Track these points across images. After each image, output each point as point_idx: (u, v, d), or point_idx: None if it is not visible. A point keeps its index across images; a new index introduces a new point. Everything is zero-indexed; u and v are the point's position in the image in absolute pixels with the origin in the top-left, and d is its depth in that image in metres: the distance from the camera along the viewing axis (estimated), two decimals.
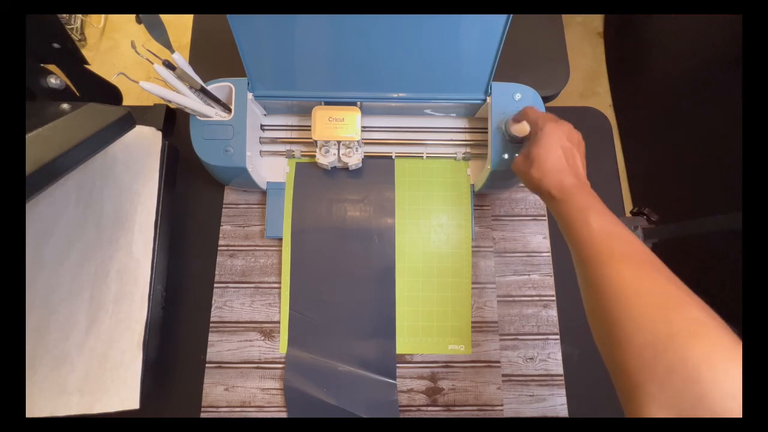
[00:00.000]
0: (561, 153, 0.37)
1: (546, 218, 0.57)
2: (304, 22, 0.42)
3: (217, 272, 0.54)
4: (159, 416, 0.50)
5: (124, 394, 0.44)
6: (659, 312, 0.25)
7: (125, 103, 0.56)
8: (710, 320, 0.24)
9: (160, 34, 0.40)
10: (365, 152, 0.53)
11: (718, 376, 0.22)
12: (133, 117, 0.42)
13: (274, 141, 0.54)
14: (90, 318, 0.45)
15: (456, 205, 0.54)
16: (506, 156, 0.48)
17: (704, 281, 0.94)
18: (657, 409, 0.23)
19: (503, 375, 0.52)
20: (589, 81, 1.30)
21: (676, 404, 0.23)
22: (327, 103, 0.49)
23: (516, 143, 0.48)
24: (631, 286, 0.28)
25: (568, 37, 0.71)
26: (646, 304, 0.26)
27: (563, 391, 0.51)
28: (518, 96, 0.48)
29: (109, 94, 0.54)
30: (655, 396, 0.24)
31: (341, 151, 0.51)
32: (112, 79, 0.47)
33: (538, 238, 0.56)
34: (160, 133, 0.51)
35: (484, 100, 0.49)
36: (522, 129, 0.46)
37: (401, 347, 0.52)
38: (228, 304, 0.53)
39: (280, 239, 0.54)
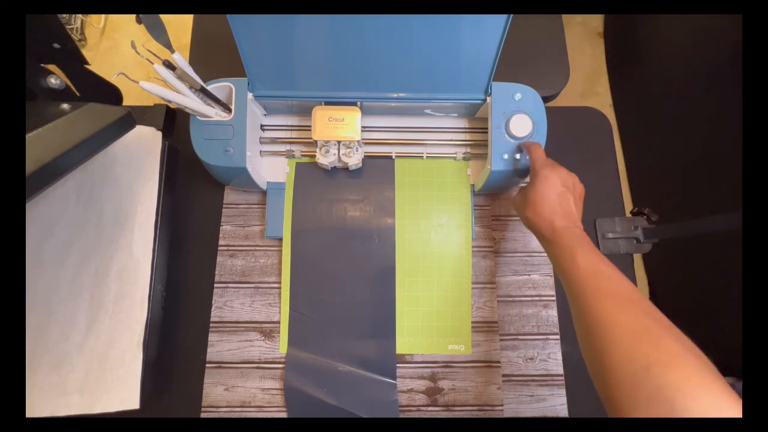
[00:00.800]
0: (555, 197, 0.41)
1: None
2: (304, 22, 0.42)
3: (217, 272, 0.54)
4: (159, 416, 0.49)
5: (124, 394, 0.44)
6: (636, 344, 0.28)
7: (125, 103, 0.56)
8: (683, 350, 0.26)
9: (160, 34, 0.40)
10: (365, 152, 0.53)
11: (689, 403, 0.24)
12: (133, 117, 0.42)
13: (274, 141, 0.54)
14: (90, 318, 0.45)
15: (456, 205, 0.54)
16: (506, 156, 0.48)
17: (704, 281, 0.94)
18: None
19: (503, 375, 0.52)
20: (589, 81, 1.30)
21: None
22: (327, 103, 0.49)
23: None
24: (613, 321, 0.30)
25: (568, 37, 0.71)
26: (625, 337, 0.29)
27: (563, 391, 0.51)
28: (518, 96, 0.48)
29: (109, 94, 0.54)
30: None
31: (341, 151, 0.51)
32: (112, 79, 0.47)
33: None
34: (160, 133, 0.51)
35: (484, 100, 0.49)
36: (521, 129, 0.46)
37: (401, 347, 0.52)
38: (228, 304, 0.53)
39: (280, 239, 0.54)
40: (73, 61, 0.48)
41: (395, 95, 0.49)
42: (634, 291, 0.32)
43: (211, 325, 0.52)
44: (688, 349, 0.27)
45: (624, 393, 0.26)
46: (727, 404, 0.23)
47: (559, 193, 0.41)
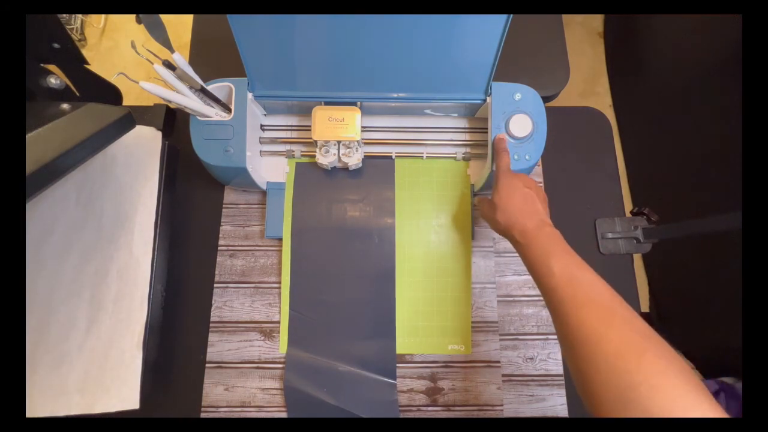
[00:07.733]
0: (520, 198, 0.41)
1: None
2: (304, 22, 0.42)
3: (217, 272, 0.54)
4: (159, 416, 0.49)
5: (124, 394, 0.44)
6: (620, 361, 0.27)
7: (125, 103, 0.56)
8: (668, 367, 0.26)
9: (160, 34, 0.40)
10: (365, 152, 0.53)
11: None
12: (133, 117, 0.42)
13: (274, 141, 0.54)
14: (90, 318, 0.45)
15: (456, 205, 0.54)
16: None
17: (704, 281, 0.94)
18: None
19: (503, 375, 0.52)
20: (589, 81, 1.30)
21: None
22: (327, 103, 0.49)
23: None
24: (593, 334, 0.29)
25: (568, 37, 0.71)
26: (609, 356, 0.27)
27: (563, 391, 0.51)
28: (518, 96, 0.48)
29: (109, 94, 0.54)
30: None
31: (341, 151, 0.51)
32: (112, 79, 0.47)
33: None
34: (160, 133, 0.51)
35: (484, 100, 0.49)
36: (521, 129, 0.46)
37: (401, 347, 0.52)
38: (228, 304, 0.53)
39: (280, 239, 0.54)
40: (73, 61, 0.48)
41: (395, 95, 0.49)
42: (612, 298, 0.31)
43: (211, 325, 0.52)
44: (672, 362, 0.26)
45: (612, 413, 0.26)
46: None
47: (524, 194, 0.41)
